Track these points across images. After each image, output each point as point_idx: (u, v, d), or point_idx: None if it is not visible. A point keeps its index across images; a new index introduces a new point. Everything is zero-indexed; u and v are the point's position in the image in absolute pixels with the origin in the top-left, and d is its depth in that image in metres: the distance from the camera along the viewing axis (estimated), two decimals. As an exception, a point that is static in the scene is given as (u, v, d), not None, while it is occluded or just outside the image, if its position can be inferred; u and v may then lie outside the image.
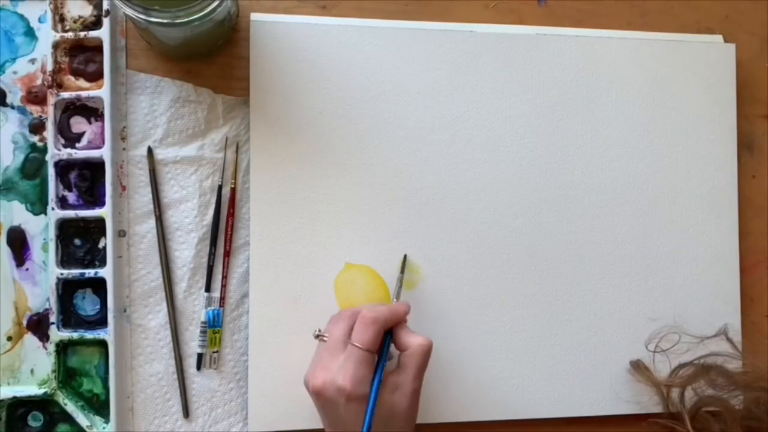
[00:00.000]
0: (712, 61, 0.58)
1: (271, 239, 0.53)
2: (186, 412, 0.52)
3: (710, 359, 0.52)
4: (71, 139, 0.52)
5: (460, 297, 0.54)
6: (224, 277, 0.53)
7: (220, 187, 0.53)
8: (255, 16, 0.53)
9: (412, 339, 0.47)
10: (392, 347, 0.49)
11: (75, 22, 0.52)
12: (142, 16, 0.44)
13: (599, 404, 0.55)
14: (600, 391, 0.55)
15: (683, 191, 0.57)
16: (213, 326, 0.52)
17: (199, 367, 0.53)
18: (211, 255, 0.53)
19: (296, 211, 0.53)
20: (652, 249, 0.56)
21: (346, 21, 0.54)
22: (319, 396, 0.45)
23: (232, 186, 0.53)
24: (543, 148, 0.56)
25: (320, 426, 0.49)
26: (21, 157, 0.52)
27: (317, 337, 0.48)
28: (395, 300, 0.52)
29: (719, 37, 0.58)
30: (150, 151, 0.52)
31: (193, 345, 0.53)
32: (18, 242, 0.52)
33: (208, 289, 0.53)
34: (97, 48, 0.52)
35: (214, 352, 0.53)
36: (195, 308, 0.53)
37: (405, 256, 0.54)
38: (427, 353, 0.47)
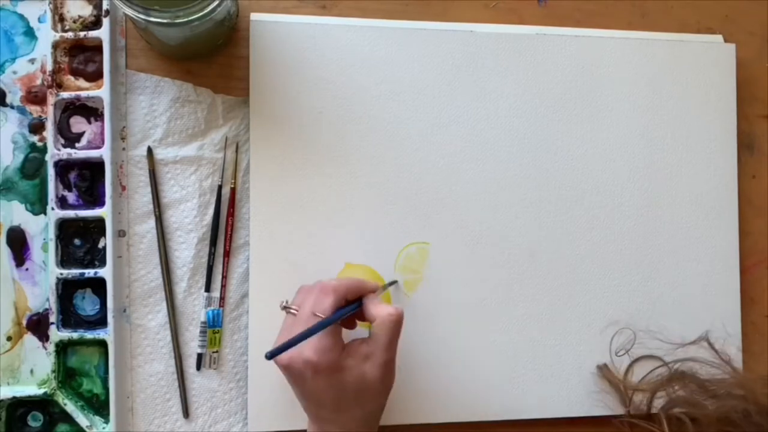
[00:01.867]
0: (712, 61, 0.58)
1: (271, 239, 0.53)
2: (186, 412, 0.52)
3: (686, 365, 0.53)
4: (71, 139, 0.52)
5: (459, 297, 0.54)
6: (224, 277, 0.53)
7: (219, 187, 0.53)
8: (255, 16, 0.53)
9: (381, 309, 0.46)
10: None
11: (75, 22, 0.52)
12: (142, 16, 0.44)
13: (601, 404, 0.55)
14: (601, 391, 0.55)
15: (683, 191, 0.57)
16: (213, 326, 0.52)
17: (199, 367, 0.53)
18: (211, 255, 0.53)
19: (296, 211, 0.53)
20: (652, 249, 0.56)
21: (346, 21, 0.54)
22: (287, 370, 0.45)
23: (232, 186, 0.53)
24: (543, 148, 0.56)
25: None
26: (21, 157, 0.52)
27: (284, 308, 0.48)
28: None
29: (719, 37, 0.58)
30: (150, 151, 0.52)
31: (193, 345, 0.53)
32: (18, 242, 0.52)
33: (207, 289, 0.53)
34: (97, 48, 0.52)
35: (214, 352, 0.53)
36: (195, 308, 0.53)
37: (396, 282, 0.54)
38: (396, 323, 0.46)
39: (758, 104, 0.59)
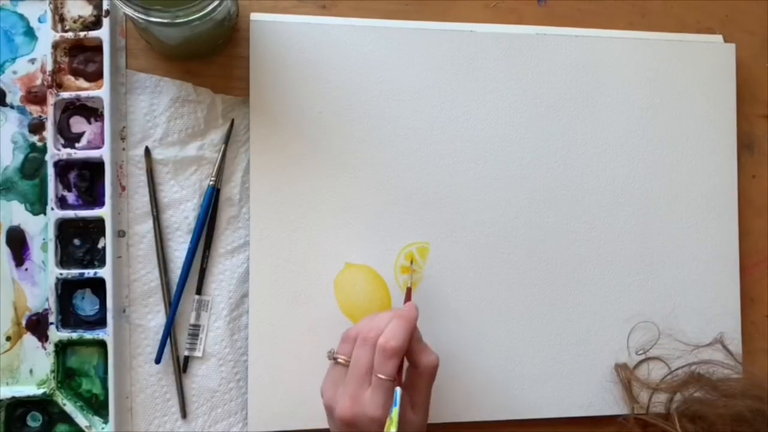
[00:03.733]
0: (712, 61, 0.58)
1: (271, 239, 0.52)
2: (183, 413, 0.52)
3: (703, 368, 0.53)
4: (71, 139, 0.52)
5: (460, 297, 0.54)
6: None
7: (217, 189, 0.53)
8: (255, 16, 0.53)
9: (424, 357, 0.47)
10: None
11: (75, 22, 0.52)
12: (142, 16, 0.44)
13: (600, 404, 0.55)
14: (600, 391, 0.55)
15: (683, 191, 0.57)
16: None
17: (185, 370, 0.52)
18: (205, 258, 0.52)
19: (296, 211, 0.53)
20: (652, 249, 0.56)
21: (346, 21, 0.54)
22: (350, 426, 0.45)
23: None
24: (543, 148, 0.56)
25: (319, 426, 0.49)
26: (20, 157, 0.52)
27: (333, 359, 0.47)
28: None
29: (719, 37, 0.58)
30: (147, 151, 0.52)
31: (192, 345, 0.53)
32: (17, 242, 0.52)
33: (199, 292, 0.52)
34: (97, 48, 0.52)
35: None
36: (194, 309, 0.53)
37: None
38: (435, 371, 0.47)
39: (758, 104, 0.59)
